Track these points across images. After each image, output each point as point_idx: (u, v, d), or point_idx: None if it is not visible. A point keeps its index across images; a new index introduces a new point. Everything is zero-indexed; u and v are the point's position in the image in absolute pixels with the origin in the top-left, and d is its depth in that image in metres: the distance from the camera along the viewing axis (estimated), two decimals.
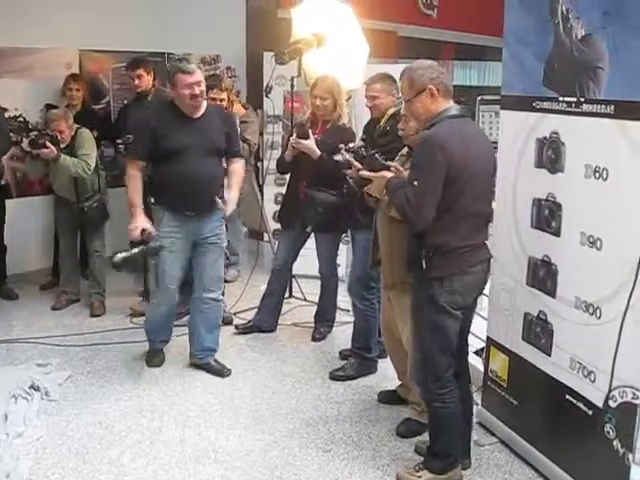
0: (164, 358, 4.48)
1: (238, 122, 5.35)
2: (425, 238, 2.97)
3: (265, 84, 5.19)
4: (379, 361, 4.44)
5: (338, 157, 3.53)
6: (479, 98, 5.87)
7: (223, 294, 4.52)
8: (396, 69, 4.74)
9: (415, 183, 2.87)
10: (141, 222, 3.96)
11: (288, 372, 4.41)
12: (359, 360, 4.40)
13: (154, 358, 4.45)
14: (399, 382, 4.03)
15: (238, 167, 4.29)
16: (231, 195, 4.19)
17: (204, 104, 4.09)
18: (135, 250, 3.87)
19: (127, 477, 3.28)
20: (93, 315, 5.30)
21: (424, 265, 2.98)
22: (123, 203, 4.26)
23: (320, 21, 5.07)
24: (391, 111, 4.18)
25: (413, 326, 3.19)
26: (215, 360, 4.38)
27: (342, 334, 4.84)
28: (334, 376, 4.30)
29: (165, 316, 4.35)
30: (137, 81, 5.45)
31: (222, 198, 4.15)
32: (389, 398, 4.06)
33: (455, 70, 8.11)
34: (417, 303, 3.11)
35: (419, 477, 3.24)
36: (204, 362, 4.36)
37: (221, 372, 4.32)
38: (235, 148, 4.27)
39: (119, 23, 6.06)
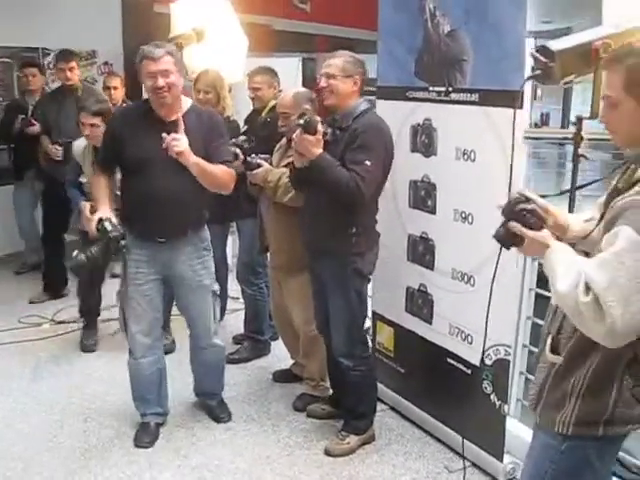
0: (156, 436, 3.61)
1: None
2: (352, 217, 3.23)
3: None
4: (272, 343, 4.63)
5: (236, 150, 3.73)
6: None
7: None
8: (273, 62, 4.95)
9: (367, 163, 3.10)
10: (100, 213, 3.26)
11: (183, 359, 4.49)
12: (252, 343, 4.58)
13: (142, 435, 3.58)
14: (292, 361, 4.24)
15: (223, 167, 3.32)
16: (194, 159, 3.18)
17: (183, 102, 3.35)
18: (95, 247, 3.18)
19: (33, 469, 3.31)
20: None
21: (353, 240, 3.24)
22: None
23: (199, 16, 5.16)
24: (272, 103, 4.35)
25: (333, 298, 3.38)
26: (218, 402, 3.86)
27: (234, 320, 4.98)
28: (229, 359, 4.39)
29: (149, 375, 3.57)
30: (69, 74, 5.31)
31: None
32: (284, 376, 4.27)
33: None
34: (341, 277, 3.32)
35: (348, 443, 3.49)
36: (204, 404, 3.89)
37: (217, 417, 3.80)
38: (220, 159, 3.31)
39: None
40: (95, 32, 6.64)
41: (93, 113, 4.18)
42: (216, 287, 3.58)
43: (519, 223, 1.93)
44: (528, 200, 1.97)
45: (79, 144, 4.38)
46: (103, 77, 6.53)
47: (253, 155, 3.73)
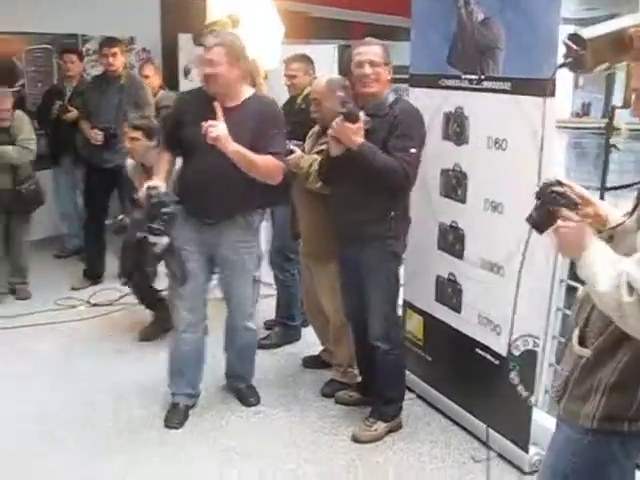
0: (186, 418, 3.66)
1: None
2: (392, 202, 3.29)
3: (184, 66, 5.28)
4: (303, 329, 4.65)
5: None
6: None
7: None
8: (309, 50, 4.95)
9: (412, 150, 3.19)
10: (151, 182, 3.35)
11: (215, 343, 4.53)
12: (283, 329, 4.62)
13: (172, 416, 3.64)
14: (322, 347, 4.26)
15: (270, 157, 3.32)
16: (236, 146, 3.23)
17: (244, 90, 3.42)
18: (139, 212, 3.33)
19: (66, 447, 3.39)
20: (19, 298, 5.23)
21: (392, 225, 3.30)
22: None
23: (235, 3, 5.17)
24: (307, 90, 4.34)
25: (371, 283, 3.40)
26: (248, 386, 3.91)
27: (266, 306, 4.98)
28: (260, 344, 4.40)
29: (187, 351, 3.65)
30: (111, 59, 5.35)
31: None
32: (313, 363, 4.29)
33: None
34: (379, 261, 3.36)
35: (375, 430, 3.51)
36: (234, 387, 3.93)
37: (246, 401, 3.84)
38: (269, 149, 3.32)
39: (32, 5, 5.95)
40: (133, 19, 6.70)
41: (134, 127, 4.25)
42: (258, 273, 3.65)
43: (550, 205, 1.91)
44: (561, 184, 1.94)
45: (131, 162, 4.44)
46: (139, 64, 6.63)
47: (287, 141, 3.72)
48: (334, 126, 3.19)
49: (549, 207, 1.91)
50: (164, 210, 3.21)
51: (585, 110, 12.86)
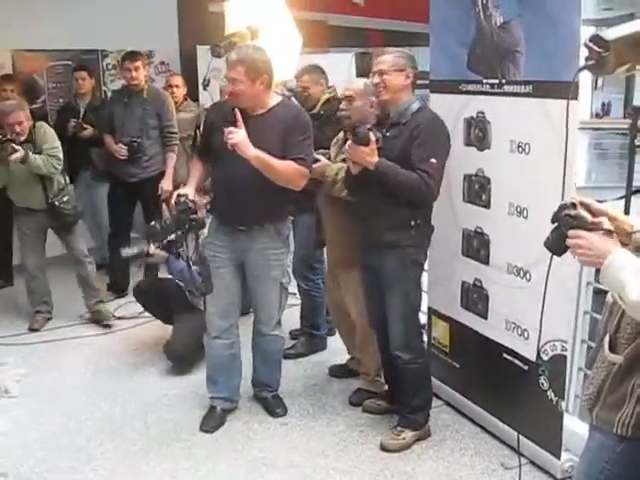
0: (221, 422, 3.73)
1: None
2: (415, 211, 3.27)
3: (203, 77, 5.30)
4: (328, 338, 4.65)
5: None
6: None
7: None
8: (328, 58, 4.95)
9: (433, 160, 3.15)
10: (181, 190, 3.54)
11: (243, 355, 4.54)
12: (309, 338, 4.61)
13: (207, 420, 3.72)
14: (349, 356, 4.24)
15: (291, 163, 3.36)
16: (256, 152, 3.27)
17: (272, 98, 3.46)
18: (169, 219, 3.50)
19: (96, 461, 3.41)
20: (102, 325, 5.04)
21: (414, 233, 3.28)
22: None
23: (253, 14, 5.20)
24: (325, 97, 4.35)
25: (392, 291, 3.38)
26: (274, 396, 3.91)
27: (291, 315, 4.97)
28: (286, 354, 4.40)
29: (220, 357, 3.71)
30: (134, 73, 5.38)
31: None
32: (340, 371, 4.28)
33: None
34: (400, 269, 3.34)
35: (403, 439, 3.49)
36: (260, 396, 3.92)
37: (272, 411, 3.83)
38: (293, 155, 3.36)
39: (52, 22, 6.04)
40: (152, 33, 6.73)
41: None
42: (285, 280, 3.67)
43: (564, 228, 1.88)
44: (574, 206, 1.92)
45: None
46: (160, 76, 6.66)
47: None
48: (348, 150, 3.24)
49: (563, 230, 1.89)
50: (192, 217, 3.37)
51: (605, 110, 12.76)
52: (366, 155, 3.17)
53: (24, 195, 4.82)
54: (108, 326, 5.03)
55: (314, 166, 3.60)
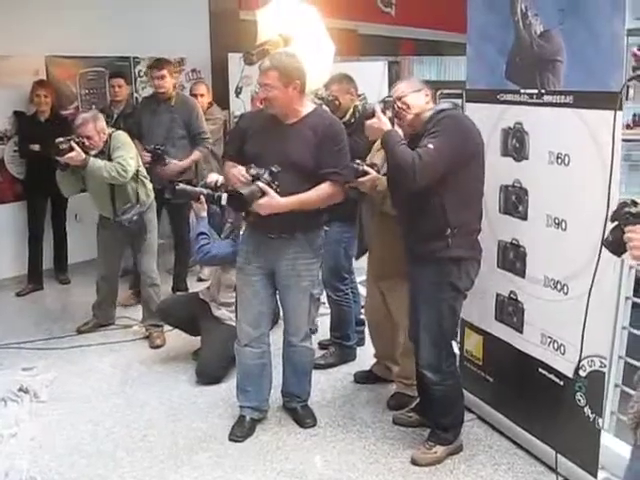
0: (250, 432, 3.69)
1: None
2: (448, 215, 3.13)
3: (235, 85, 5.31)
4: (358, 349, 4.60)
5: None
6: (439, 92, 6.10)
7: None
8: (359, 67, 4.93)
9: (430, 146, 3.02)
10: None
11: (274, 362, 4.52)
12: (338, 349, 4.57)
13: (236, 429, 3.68)
14: (374, 361, 4.22)
15: (325, 187, 3.38)
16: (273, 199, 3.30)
17: (305, 106, 3.45)
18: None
19: (124, 469, 3.39)
20: (153, 346, 4.83)
21: (449, 242, 3.14)
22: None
23: (286, 22, 5.19)
24: (355, 104, 4.33)
25: (424, 308, 3.30)
26: (303, 406, 3.86)
27: (321, 325, 4.98)
28: (315, 365, 4.34)
29: (250, 365, 3.68)
30: (160, 81, 5.41)
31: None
32: (365, 378, 4.26)
33: (414, 66, 8.32)
34: (435, 287, 3.24)
35: (435, 453, 3.42)
36: (290, 407, 3.88)
37: (302, 422, 3.79)
38: (327, 167, 3.36)
39: (85, 29, 6.11)
40: (183, 40, 6.80)
41: None
42: (317, 291, 3.65)
43: (624, 226, 1.84)
44: (635, 204, 1.87)
45: None
46: (191, 83, 6.69)
47: (358, 161, 3.55)
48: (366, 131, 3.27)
49: (623, 228, 1.84)
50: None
51: (636, 121, 12.58)
52: (377, 126, 3.13)
53: (97, 202, 4.83)
54: (158, 347, 4.86)
55: (363, 180, 3.52)
